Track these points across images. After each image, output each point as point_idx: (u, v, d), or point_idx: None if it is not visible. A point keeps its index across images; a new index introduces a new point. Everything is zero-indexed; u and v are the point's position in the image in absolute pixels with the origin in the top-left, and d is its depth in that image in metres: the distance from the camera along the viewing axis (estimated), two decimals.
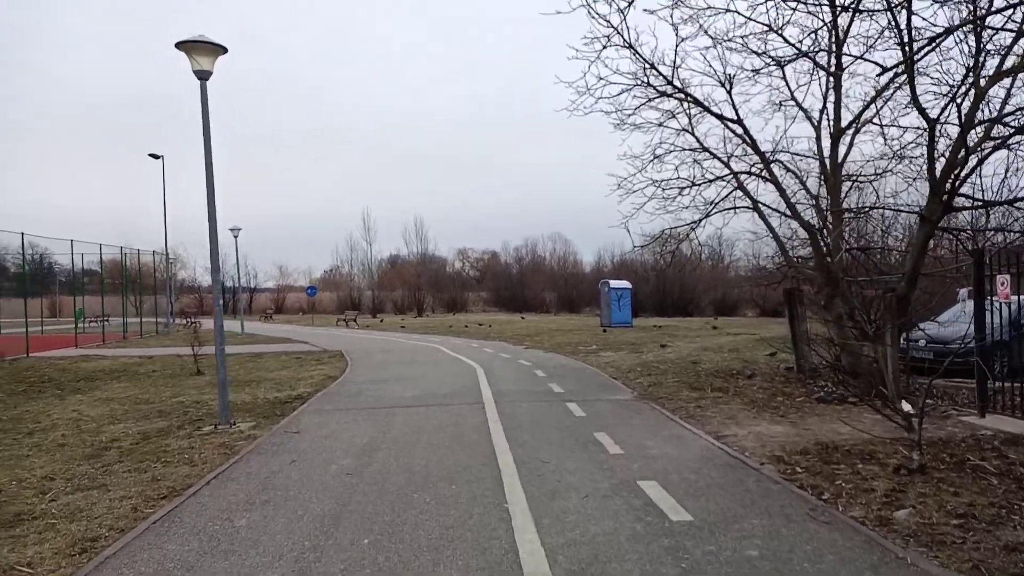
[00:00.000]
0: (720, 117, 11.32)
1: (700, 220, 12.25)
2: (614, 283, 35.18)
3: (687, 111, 12.11)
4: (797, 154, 12.11)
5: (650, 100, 11.79)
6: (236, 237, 36.25)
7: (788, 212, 11.91)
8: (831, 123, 11.25)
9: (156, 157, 33.72)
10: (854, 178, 12.13)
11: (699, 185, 11.88)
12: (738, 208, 12.70)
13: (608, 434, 7.67)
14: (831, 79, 11.10)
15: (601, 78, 11.14)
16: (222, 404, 8.72)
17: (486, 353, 19.10)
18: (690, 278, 53.90)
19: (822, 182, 12.99)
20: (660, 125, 12.12)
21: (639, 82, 11.64)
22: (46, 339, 26.20)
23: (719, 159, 12.18)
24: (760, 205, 12.28)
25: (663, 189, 11.83)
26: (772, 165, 11.84)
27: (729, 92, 11.10)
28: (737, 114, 11.22)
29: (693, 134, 12.28)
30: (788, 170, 12.19)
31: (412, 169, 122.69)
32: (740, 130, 11.36)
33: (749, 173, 11.76)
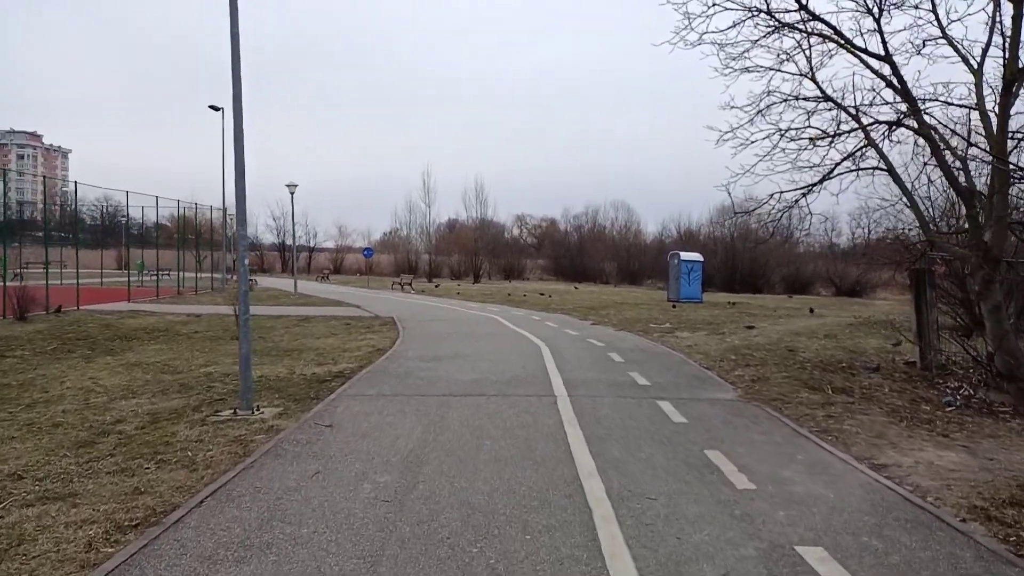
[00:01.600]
0: (864, 52, 9.06)
1: (821, 180, 10.05)
2: (684, 255, 32.76)
3: (807, 52, 10.00)
4: (949, 103, 9.75)
5: (768, 34, 9.68)
6: (292, 194, 35.22)
7: (934, 175, 9.65)
8: (1005, 63, 8.88)
9: (216, 109, 32.85)
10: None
11: (832, 136, 9.65)
12: (862, 170, 10.53)
13: (725, 454, 5.84)
14: (1003, 5, 8.73)
15: (714, 4, 9.06)
16: (244, 386, 7.26)
17: (549, 328, 17.37)
18: (760, 253, 50.76)
19: (969, 140, 10.64)
20: (777, 69, 9.98)
21: (754, 11, 9.54)
22: (102, 291, 25.84)
23: (846, 110, 9.98)
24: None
25: (792, 139, 9.65)
26: (910, 119, 9.59)
27: (877, 20, 8.83)
28: (886, 49, 8.93)
29: (814, 79, 10.15)
30: (926, 127, 9.90)
31: (474, 133, 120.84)
32: (888, 70, 9.06)
33: (897, 124, 9.44)
